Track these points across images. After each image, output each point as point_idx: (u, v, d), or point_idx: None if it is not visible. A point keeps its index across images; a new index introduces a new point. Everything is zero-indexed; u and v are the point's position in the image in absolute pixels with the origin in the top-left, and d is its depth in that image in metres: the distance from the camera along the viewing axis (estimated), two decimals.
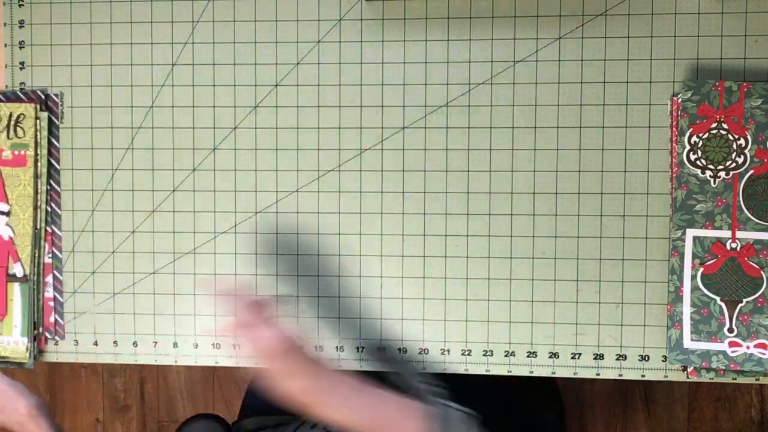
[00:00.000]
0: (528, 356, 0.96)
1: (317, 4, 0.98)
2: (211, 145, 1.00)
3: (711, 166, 0.87)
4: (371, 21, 0.97)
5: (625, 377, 0.96)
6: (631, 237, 0.94)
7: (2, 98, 1.02)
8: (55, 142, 1.02)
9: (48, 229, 1.03)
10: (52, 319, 1.03)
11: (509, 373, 0.96)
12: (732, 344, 0.87)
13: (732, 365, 0.87)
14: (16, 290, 1.02)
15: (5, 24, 1.02)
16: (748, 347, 0.87)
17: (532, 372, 0.96)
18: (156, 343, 1.02)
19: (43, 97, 1.02)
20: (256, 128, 0.99)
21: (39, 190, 1.02)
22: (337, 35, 0.98)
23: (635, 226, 0.94)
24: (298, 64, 0.98)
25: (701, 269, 0.88)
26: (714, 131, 0.87)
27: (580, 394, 1.76)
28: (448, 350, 0.98)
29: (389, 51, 0.97)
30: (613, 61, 0.94)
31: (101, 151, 1.02)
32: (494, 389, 1.04)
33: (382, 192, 0.98)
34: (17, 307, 1.02)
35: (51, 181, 1.02)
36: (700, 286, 0.88)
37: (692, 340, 0.88)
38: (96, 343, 1.03)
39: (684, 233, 0.88)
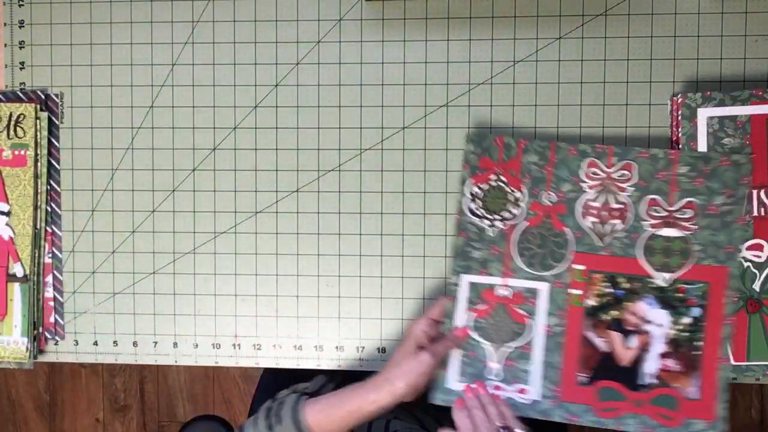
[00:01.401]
0: None
1: (317, 4, 0.98)
2: (211, 145, 1.00)
3: (489, 216, 0.90)
4: (371, 21, 0.97)
5: None
6: None
7: (2, 98, 1.02)
8: (55, 142, 1.02)
9: (48, 229, 1.03)
10: (52, 319, 1.03)
11: None
12: (495, 387, 0.89)
13: None
14: (16, 290, 1.02)
15: (5, 24, 1.02)
16: (509, 391, 0.88)
17: None
18: (156, 343, 1.02)
19: (43, 97, 1.02)
20: (256, 128, 0.99)
21: (39, 190, 1.02)
22: (337, 35, 0.98)
23: None
24: (298, 64, 0.98)
25: (473, 314, 0.89)
26: (493, 183, 0.90)
27: None
28: None
29: (389, 51, 0.97)
30: (613, 61, 0.94)
31: (101, 151, 1.02)
32: None
33: (382, 192, 0.98)
34: (17, 307, 1.02)
35: (51, 181, 1.02)
36: (471, 330, 0.89)
37: (459, 381, 0.89)
38: (96, 343, 1.03)
39: (460, 278, 0.90)
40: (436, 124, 0.96)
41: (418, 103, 0.97)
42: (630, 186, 0.88)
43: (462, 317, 0.90)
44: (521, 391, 0.88)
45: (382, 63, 0.97)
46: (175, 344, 1.02)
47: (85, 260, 1.03)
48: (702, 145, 0.90)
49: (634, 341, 0.87)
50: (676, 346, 0.86)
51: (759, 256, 0.90)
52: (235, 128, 1.00)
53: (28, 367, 1.03)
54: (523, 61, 0.95)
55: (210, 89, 1.00)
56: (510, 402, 0.88)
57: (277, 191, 0.99)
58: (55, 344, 1.04)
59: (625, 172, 0.88)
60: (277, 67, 0.99)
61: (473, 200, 0.91)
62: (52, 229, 1.03)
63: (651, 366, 0.87)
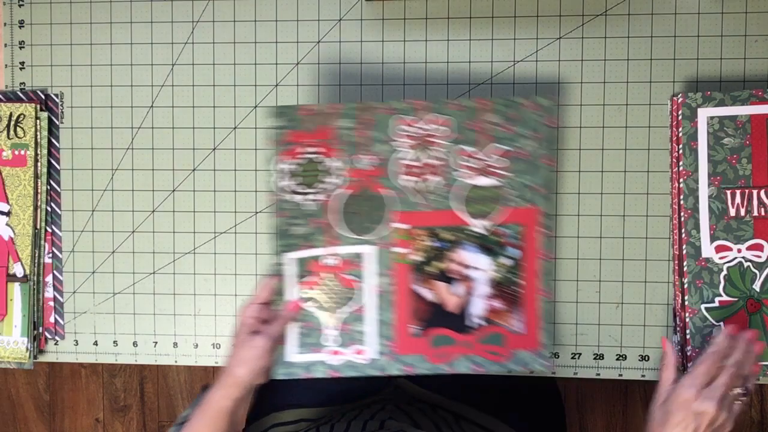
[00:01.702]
0: None
1: (317, 4, 0.98)
2: (211, 145, 1.00)
3: (306, 190, 0.90)
4: (371, 21, 0.97)
5: (625, 377, 0.96)
6: (631, 237, 0.94)
7: (2, 98, 1.02)
8: (55, 142, 1.02)
9: (48, 229, 1.03)
10: (52, 319, 1.03)
11: (510, 373, 0.96)
12: (333, 353, 0.90)
13: (332, 372, 0.89)
14: (16, 290, 1.02)
15: (5, 24, 1.02)
16: (347, 354, 0.89)
17: (532, 372, 0.96)
18: (156, 343, 1.02)
19: (43, 97, 1.02)
20: (256, 128, 0.99)
21: (39, 190, 1.02)
22: (337, 35, 0.98)
23: (635, 226, 0.94)
24: (298, 64, 0.98)
25: (303, 287, 0.90)
26: (307, 155, 0.89)
27: (580, 394, 1.76)
28: None
29: (389, 51, 0.97)
30: (613, 61, 0.94)
31: (101, 151, 1.02)
32: (494, 389, 1.04)
33: None
34: (17, 307, 1.02)
35: (51, 181, 1.02)
36: (303, 302, 0.90)
37: (298, 353, 0.90)
38: (96, 343, 1.03)
39: (285, 257, 0.90)
40: None
41: None
42: (444, 140, 0.89)
43: (293, 292, 0.90)
44: (358, 352, 0.89)
45: (382, 63, 0.97)
46: (175, 344, 1.02)
47: (85, 260, 1.03)
48: (702, 145, 0.90)
49: (460, 288, 0.89)
50: (499, 287, 0.89)
51: (759, 256, 0.90)
52: (235, 128, 1.00)
53: (28, 367, 1.03)
54: (523, 61, 0.95)
55: (210, 89, 1.00)
56: (349, 364, 0.89)
57: None
58: (55, 344, 1.04)
59: (440, 126, 0.88)
60: (277, 67, 0.99)
61: (286, 177, 0.89)
62: (52, 229, 1.03)
63: (477, 308, 0.89)
